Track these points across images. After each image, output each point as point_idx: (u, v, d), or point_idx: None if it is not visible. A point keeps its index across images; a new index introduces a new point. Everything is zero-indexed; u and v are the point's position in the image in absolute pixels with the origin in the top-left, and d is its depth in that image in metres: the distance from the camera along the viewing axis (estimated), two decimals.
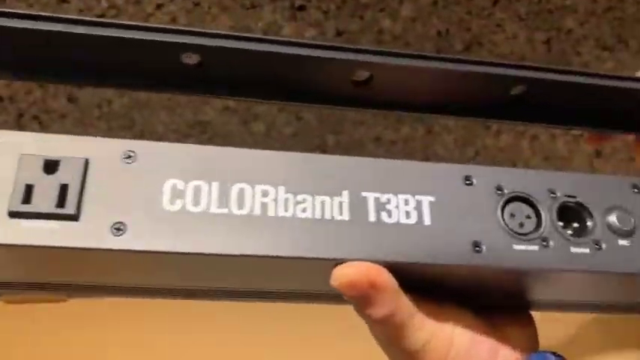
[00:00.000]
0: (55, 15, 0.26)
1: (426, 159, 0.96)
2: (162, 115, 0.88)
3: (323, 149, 0.92)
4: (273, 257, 0.24)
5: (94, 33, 0.25)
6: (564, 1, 0.90)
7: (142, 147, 0.25)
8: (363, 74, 0.30)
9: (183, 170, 0.24)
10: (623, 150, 0.92)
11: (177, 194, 0.24)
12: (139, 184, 0.24)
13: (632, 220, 0.28)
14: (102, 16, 0.82)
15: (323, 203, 0.25)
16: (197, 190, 0.24)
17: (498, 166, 0.28)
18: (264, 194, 0.25)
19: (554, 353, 0.30)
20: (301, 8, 0.86)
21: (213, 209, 0.24)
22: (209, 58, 0.28)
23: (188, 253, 0.23)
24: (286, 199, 0.25)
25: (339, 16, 0.88)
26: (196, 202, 0.24)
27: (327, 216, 0.25)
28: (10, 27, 0.25)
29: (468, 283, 0.28)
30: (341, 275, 0.24)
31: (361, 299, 0.25)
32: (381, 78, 0.30)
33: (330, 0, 0.87)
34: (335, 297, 0.26)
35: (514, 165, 0.92)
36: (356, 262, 0.25)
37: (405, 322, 0.26)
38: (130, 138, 0.26)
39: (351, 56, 0.30)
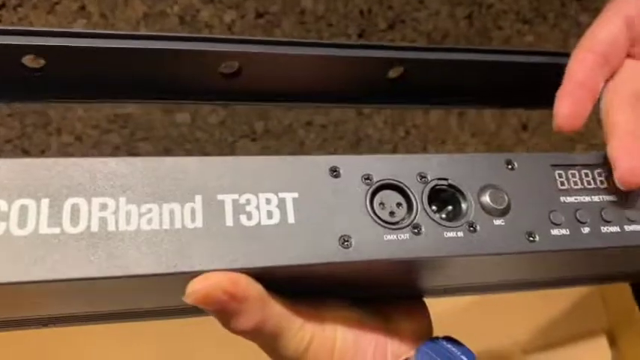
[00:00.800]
0: None
1: (358, 141, 0.95)
2: (80, 111, 0.84)
3: (252, 137, 0.90)
4: (114, 278, 0.21)
5: None
6: None
7: None
8: (231, 65, 0.28)
9: (3, 189, 0.22)
10: (549, 122, 0.93)
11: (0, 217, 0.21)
12: None
13: (506, 197, 0.26)
14: None
15: (172, 212, 0.23)
16: (23, 210, 0.22)
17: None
18: (103, 208, 0.22)
19: (446, 337, 0.30)
20: None
21: (43, 229, 0.21)
22: (54, 60, 0.25)
23: (9, 283, 0.20)
24: (128, 211, 0.22)
25: None
26: (22, 224, 0.21)
27: (178, 225, 0.23)
28: None
29: (345, 279, 0.26)
30: (196, 290, 0.22)
31: (222, 313, 0.23)
32: (250, 68, 0.28)
33: None
34: None
35: (443, 143, 0.93)
36: (211, 274, 0.22)
37: (279, 329, 0.25)
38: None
39: (217, 47, 0.28)
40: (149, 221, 0.22)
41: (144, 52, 0.27)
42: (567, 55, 0.31)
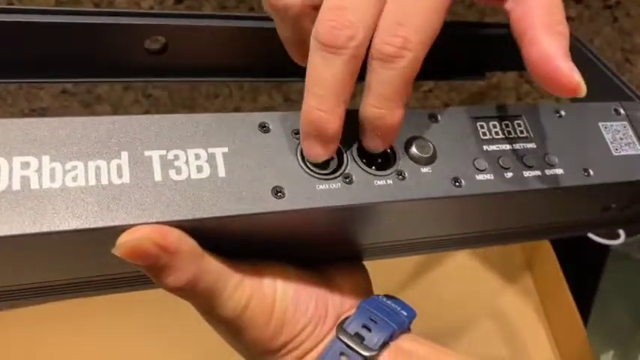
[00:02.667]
0: None
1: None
2: None
3: None
4: (42, 234, 0.21)
5: None
6: None
7: None
8: (157, 41, 0.27)
9: None
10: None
11: None
12: None
13: (432, 146, 0.28)
14: None
15: (98, 168, 0.22)
16: None
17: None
18: (25, 166, 0.22)
19: (386, 295, 0.31)
20: None
21: None
22: None
23: None
24: (52, 169, 0.22)
25: None
26: None
27: (104, 181, 0.22)
28: None
29: (282, 235, 0.26)
30: (123, 242, 0.22)
31: (155, 267, 0.23)
32: (177, 44, 0.28)
33: None
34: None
35: None
36: (139, 227, 0.22)
37: (215, 285, 0.24)
38: None
39: (144, 21, 0.27)
40: (74, 178, 0.22)
41: (63, 27, 0.25)
42: None
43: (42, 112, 0.80)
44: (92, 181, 0.22)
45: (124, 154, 0.23)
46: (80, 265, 0.25)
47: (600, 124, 0.32)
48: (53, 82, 0.27)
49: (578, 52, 0.38)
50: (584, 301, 0.81)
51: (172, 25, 0.27)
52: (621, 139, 0.32)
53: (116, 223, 0.22)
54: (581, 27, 0.83)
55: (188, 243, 0.23)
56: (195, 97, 0.87)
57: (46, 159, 0.22)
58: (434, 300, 0.75)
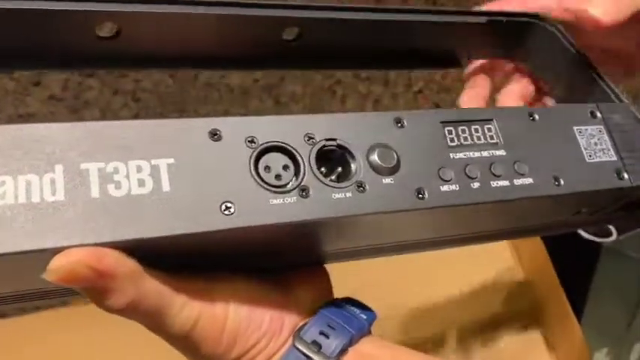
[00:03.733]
0: None
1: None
2: None
3: None
4: None
5: None
6: None
7: None
8: (109, 27, 0.27)
9: None
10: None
11: None
12: None
13: (395, 155, 0.26)
14: None
15: (29, 184, 0.20)
16: None
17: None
18: None
19: (346, 299, 0.30)
20: None
21: None
22: None
23: None
24: None
25: None
26: None
27: (36, 199, 0.20)
28: None
29: (235, 249, 0.25)
30: (56, 268, 0.20)
31: (92, 291, 0.21)
32: (130, 30, 0.27)
33: None
34: None
35: None
36: (73, 249, 0.20)
37: (158, 306, 0.23)
38: None
39: (93, 7, 0.26)
40: (2, 195, 0.20)
41: (9, 13, 0.25)
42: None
43: (29, 117, 0.80)
44: (22, 199, 0.20)
45: (59, 168, 0.21)
46: (14, 281, 0.24)
47: (575, 128, 0.31)
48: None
49: (558, 44, 0.37)
50: (579, 299, 0.80)
51: (125, 12, 0.25)
52: (595, 144, 0.31)
53: (49, 245, 0.20)
54: None
55: (127, 265, 0.22)
56: (185, 100, 0.87)
57: None
58: (424, 298, 0.74)
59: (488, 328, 0.77)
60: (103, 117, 0.84)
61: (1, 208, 0.20)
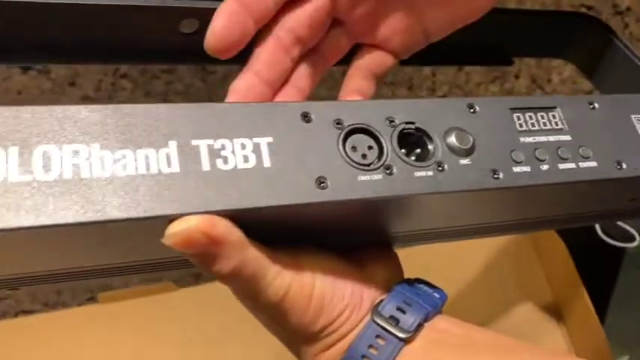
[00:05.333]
0: None
1: None
2: None
3: None
4: (93, 223, 0.21)
5: None
6: None
7: None
8: (191, 23, 0.28)
9: None
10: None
11: None
12: None
13: (471, 138, 0.28)
14: None
15: (147, 157, 0.23)
16: None
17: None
18: (75, 154, 0.22)
19: (417, 279, 0.31)
20: None
21: (13, 178, 0.21)
22: None
23: None
24: (102, 157, 0.22)
25: None
26: None
27: (154, 170, 0.23)
28: None
29: (321, 223, 0.27)
30: (174, 233, 0.22)
31: (202, 256, 0.23)
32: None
33: None
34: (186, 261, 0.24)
35: None
36: (190, 216, 0.22)
37: (257, 274, 0.25)
38: None
39: (180, 4, 0.28)
40: (124, 167, 0.22)
41: (98, 9, 0.26)
42: None
43: None
44: (142, 170, 0.22)
45: (172, 143, 0.23)
46: (122, 252, 0.26)
47: (632, 116, 0.33)
48: (90, 64, 0.28)
49: (610, 43, 0.39)
50: (601, 305, 0.81)
51: (207, 9, 0.27)
52: None
53: (167, 212, 0.22)
54: None
55: (234, 233, 0.24)
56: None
57: (95, 147, 0.22)
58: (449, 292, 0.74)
59: (507, 325, 0.77)
60: None
61: (124, 179, 0.22)
